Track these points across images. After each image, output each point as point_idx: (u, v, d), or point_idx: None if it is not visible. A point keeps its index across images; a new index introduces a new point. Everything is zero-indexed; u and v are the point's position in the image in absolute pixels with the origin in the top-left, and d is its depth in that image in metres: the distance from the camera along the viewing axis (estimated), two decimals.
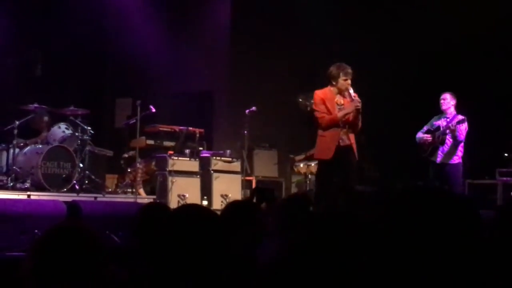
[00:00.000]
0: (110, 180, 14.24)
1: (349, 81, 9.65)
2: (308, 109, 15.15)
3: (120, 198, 12.54)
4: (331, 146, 9.66)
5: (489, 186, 12.55)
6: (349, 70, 9.67)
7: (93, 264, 2.79)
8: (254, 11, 15.10)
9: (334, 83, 9.71)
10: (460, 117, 10.81)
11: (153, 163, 13.15)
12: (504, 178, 12.46)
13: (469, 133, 13.13)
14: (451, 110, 11.05)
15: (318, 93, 9.90)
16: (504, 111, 13.29)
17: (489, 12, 13.37)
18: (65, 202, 8.93)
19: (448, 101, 11.04)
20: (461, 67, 13.64)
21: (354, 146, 9.77)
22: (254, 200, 6.30)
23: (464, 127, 10.94)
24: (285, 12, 15.11)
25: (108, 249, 4.56)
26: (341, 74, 9.64)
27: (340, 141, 9.70)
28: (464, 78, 13.53)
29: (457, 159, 11.07)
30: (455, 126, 10.61)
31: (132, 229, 4.14)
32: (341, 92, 9.73)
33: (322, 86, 14.59)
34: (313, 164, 13.79)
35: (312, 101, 15.14)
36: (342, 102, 9.75)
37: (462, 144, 11.07)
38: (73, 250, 2.80)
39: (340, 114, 9.60)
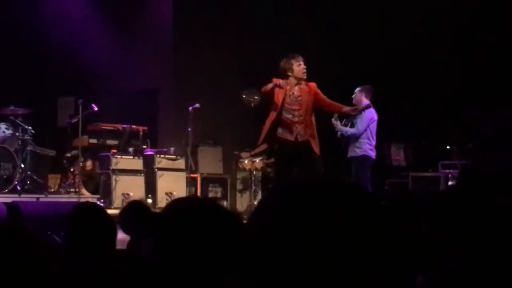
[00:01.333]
0: (53, 180, 14.05)
1: (303, 65, 9.53)
2: (252, 105, 15.16)
3: (63, 198, 12.38)
4: (292, 131, 9.54)
5: (432, 179, 12.69)
6: (299, 56, 9.59)
7: (31, 264, 2.73)
8: (197, 8, 15.06)
9: (290, 73, 9.57)
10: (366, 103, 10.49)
11: (88, 163, 13.05)
12: (447, 171, 12.61)
13: (412, 127, 13.32)
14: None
15: (274, 82, 9.65)
16: (447, 105, 13.45)
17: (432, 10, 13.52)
18: (5, 203, 8.77)
19: (355, 96, 10.85)
20: (406, 62, 13.77)
21: (314, 141, 9.59)
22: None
23: (367, 117, 10.74)
24: (228, 9, 15.08)
25: (49, 249, 4.48)
26: (293, 61, 9.55)
27: (298, 136, 9.55)
28: (408, 73, 13.67)
29: (360, 152, 10.90)
30: (359, 111, 10.18)
31: (66, 229, 4.08)
32: (299, 82, 9.59)
33: (266, 82, 14.69)
34: (257, 160, 13.81)
35: (255, 97, 15.21)
36: (299, 94, 9.60)
37: (368, 136, 10.89)
38: (9, 251, 2.74)
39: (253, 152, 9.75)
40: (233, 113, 15.12)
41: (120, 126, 13.67)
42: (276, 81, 9.40)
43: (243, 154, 14.22)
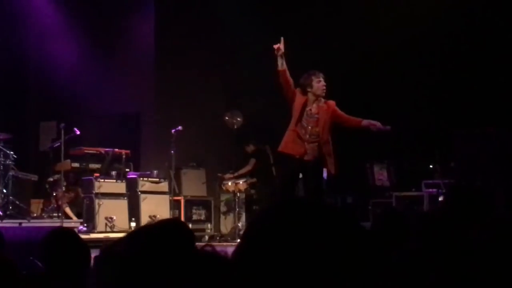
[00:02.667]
0: (36, 205, 13.96)
1: (323, 82, 9.34)
2: (235, 127, 15.18)
3: (46, 222, 12.26)
4: (302, 144, 9.37)
5: (416, 198, 12.70)
6: (319, 72, 9.42)
7: None
8: (178, 31, 15.07)
9: (309, 90, 9.35)
10: None
11: (71, 193, 13.04)
12: (430, 190, 12.63)
13: (395, 147, 13.34)
14: None
15: (298, 92, 9.42)
16: (430, 124, 13.49)
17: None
18: None
19: None
20: (388, 81, 13.82)
21: (330, 159, 9.36)
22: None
23: None
24: (210, 33, 15.11)
25: (31, 275, 4.43)
26: (313, 78, 9.34)
27: (305, 155, 9.37)
28: (390, 92, 13.72)
29: None
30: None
31: (41, 255, 4.04)
32: (317, 99, 9.43)
33: (249, 104, 14.71)
34: (241, 182, 13.79)
35: (238, 118, 15.22)
36: (317, 111, 9.42)
37: None
38: None
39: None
40: (216, 135, 15.13)
41: (102, 150, 13.62)
42: (277, 49, 9.16)
43: (227, 176, 14.21)
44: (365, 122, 9.44)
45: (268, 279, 1.51)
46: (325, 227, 1.54)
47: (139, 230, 2.14)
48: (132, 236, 2.08)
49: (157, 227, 2.13)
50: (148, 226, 2.17)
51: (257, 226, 1.59)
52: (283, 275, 1.50)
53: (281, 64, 9.09)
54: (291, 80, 9.28)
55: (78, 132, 13.02)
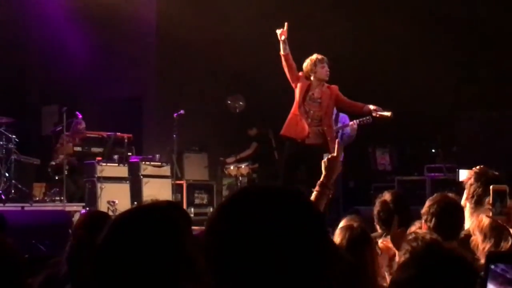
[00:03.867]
0: (38, 189, 13.96)
1: (326, 67, 9.37)
2: (237, 111, 15.18)
3: (48, 206, 12.30)
4: (304, 127, 9.36)
5: (418, 182, 12.70)
6: (323, 58, 9.42)
7: (7, 278, 2.69)
8: (181, 14, 15.01)
9: (312, 75, 9.39)
10: None
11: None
12: (432, 174, 12.63)
13: (397, 131, 13.34)
14: None
15: (301, 76, 9.45)
16: (432, 108, 13.48)
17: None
18: None
19: None
20: (391, 66, 13.80)
21: (329, 145, 9.18)
22: None
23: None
24: (212, 16, 15.06)
25: (33, 258, 4.44)
26: (316, 62, 9.38)
27: (306, 139, 9.39)
28: (392, 76, 13.70)
29: None
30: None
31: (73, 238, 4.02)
32: (321, 83, 9.44)
33: (252, 88, 14.70)
34: (243, 166, 13.79)
35: (240, 102, 15.22)
36: (320, 96, 9.44)
37: None
38: None
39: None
40: (218, 119, 15.12)
41: (104, 134, 13.62)
42: (281, 34, 9.16)
43: (229, 160, 14.22)
44: (367, 107, 9.46)
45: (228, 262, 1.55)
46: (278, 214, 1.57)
47: (124, 217, 2.10)
48: (112, 225, 2.05)
49: (144, 213, 2.09)
50: (131, 215, 2.12)
51: (218, 212, 1.63)
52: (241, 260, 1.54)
53: (284, 49, 9.17)
54: (294, 65, 9.33)
55: (80, 116, 13.03)
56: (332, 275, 1.60)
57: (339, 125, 10.94)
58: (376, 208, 5.23)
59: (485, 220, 3.93)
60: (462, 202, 4.72)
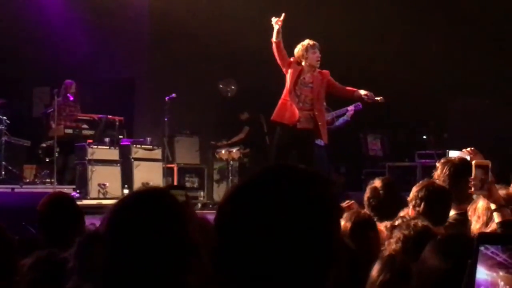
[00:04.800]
0: (28, 171, 13.95)
1: (318, 53, 9.32)
2: (229, 95, 15.16)
3: (38, 188, 12.28)
4: (294, 112, 9.34)
5: (409, 168, 12.73)
6: (315, 43, 9.37)
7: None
8: None
9: (304, 60, 9.34)
10: None
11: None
12: (423, 160, 12.66)
13: (389, 117, 13.37)
14: None
15: (293, 62, 9.38)
16: (423, 95, 13.50)
17: None
18: None
19: None
20: (383, 53, 13.80)
21: (323, 129, 9.34)
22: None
23: None
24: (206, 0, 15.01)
25: (23, 240, 4.43)
26: (308, 48, 9.32)
27: (298, 123, 9.36)
28: (384, 63, 13.70)
29: None
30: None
31: (39, 221, 4.02)
32: (312, 69, 9.39)
33: (244, 73, 14.67)
34: (234, 150, 13.80)
35: (232, 87, 15.19)
36: (311, 80, 9.39)
37: None
38: None
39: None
40: (210, 103, 15.10)
41: (96, 116, 13.59)
42: (277, 23, 9.09)
43: (220, 144, 14.21)
44: (358, 92, 9.48)
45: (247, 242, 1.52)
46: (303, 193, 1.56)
47: (122, 205, 2.03)
48: (115, 214, 1.99)
49: (138, 201, 2.03)
50: (128, 201, 2.05)
51: (242, 192, 1.60)
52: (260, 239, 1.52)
53: (277, 37, 9.16)
54: (284, 51, 9.32)
55: (71, 98, 13.01)
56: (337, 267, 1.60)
57: (334, 112, 10.96)
58: (366, 195, 5.24)
59: (481, 203, 3.94)
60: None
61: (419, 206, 4.44)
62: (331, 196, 1.60)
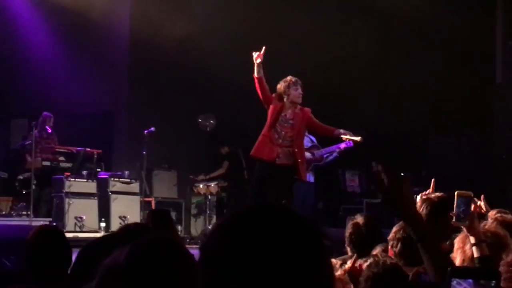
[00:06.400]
0: (5, 203, 13.81)
1: (300, 90, 9.34)
2: (208, 129, 15.16)
3: (14, 221, 12.18)
4: (273, 148, 9.34)
5: None
6: (297, 80, 9.40)
7: None
8: (152, 31, 14.99)
9: (285, 96, 9.35)
10: None
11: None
12: None
13: (367, 154, 13.36)
14: None
15: (274, 98, 9.41)
16: (402, 132, 13.55)
17: None
18: None
19: None
20: (362, 89, 13.86)
21: (302, 166, 9.37)
22: (151, 224, 6.08)
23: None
24: (185, 33, 15.05)
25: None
26: (290, 85, 9.34)
27: (277, 159, 9.35)
28: (362, 99, 13.76)
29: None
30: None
31: (25, 253, 3.95)
32: (294, 105, 9.40)
33: (223, 106, 14.70)
34: (212, 185, 13.77)
35: (211, 121, 15.18)
36: (292, 117, 9.40)
37: None
38: None
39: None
40: (188, 137, 15.09)
41: (74, 149, 13.54)
42: (257, 57, 9.10)
43: (199, 178, 14.19)
44: (337, 131, 9.55)
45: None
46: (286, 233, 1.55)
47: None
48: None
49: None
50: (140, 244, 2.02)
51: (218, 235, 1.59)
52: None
53: (258, 72, 9.15)
54: (267, 87, 9.32)
55: (50, 131, 12.96)
56: None
57: (324, 149, 11.01)
58: (348, 230, 5.22)
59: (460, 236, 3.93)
60: None
61: (396, 246, 4.42)
62: (322, 245, 1.59)
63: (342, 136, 9.51)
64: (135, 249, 1.90)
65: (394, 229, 4.55)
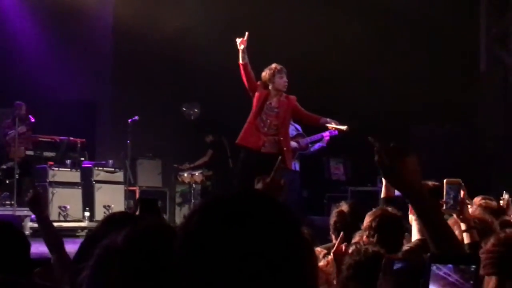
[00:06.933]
0: None
1: (285, 78, 9.24)
2: (192, 118, 15.13)
3: None
4: (259, 136, 9.29)
5: (371, 193, 12.77)
6: (282, 68, 9.31)
7: None
8: (136, 20, 14.93)
9: (270, 84, 9.25)
10: None
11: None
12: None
13: (352, 142, 13.39)
14: None
15: (259, 85, 9.32)
16: (387, 120, 13.58)
17: None
18: None
19: None
20: (347, 77, 13.87)
21: (288, 154, 9.26)
22: (138, 212, 6.05)
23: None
24: (169, 22, 15.00)
25: None
26: (275, 73, 9.23)
27: (263, 147, 9.29)
28: (348, 88, 13.77)
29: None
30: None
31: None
32: (279, 93, 9.31)
33: (206, 95, 14.67)
34: (197, 174, 13.76)
35: (195, 109, 15.16)
36: (277, 105, 9.31)
37: None
38: None
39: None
40: (172, 126, 15.05)
41: (57, 138, 13.50)
42: (241, 43, 9.01)
43: (184, 166, 14.16)
44: (323, 120, 9.51)
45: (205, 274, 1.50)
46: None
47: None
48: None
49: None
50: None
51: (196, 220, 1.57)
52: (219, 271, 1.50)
53: (243, 58, 9.10)
54: (252, 74, 9.27)
55: (33, 120, 12.90)
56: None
57: (309, 138, 10.99)
58: (333, 218, 5.21)
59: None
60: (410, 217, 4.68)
61: (373, 236, 4.41)
62: (302, 235, 1.58)
63: (327, 125, 9.49)
64: (132, 231, 1.90)
65: (368, 218, 4.53)
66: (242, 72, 9.19)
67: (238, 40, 9.11)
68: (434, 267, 1.93)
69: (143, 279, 1.83)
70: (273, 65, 9.38)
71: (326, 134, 10.64)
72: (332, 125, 9.50)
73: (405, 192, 2.53)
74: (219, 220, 1.52)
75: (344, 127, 9.48)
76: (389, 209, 4.65)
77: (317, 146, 11.10)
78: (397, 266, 2.66)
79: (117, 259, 1.83)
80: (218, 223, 1.52)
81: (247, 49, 9.12)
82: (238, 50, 9.11)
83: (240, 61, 9.14)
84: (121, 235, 1.88)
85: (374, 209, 4.63)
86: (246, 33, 9.12)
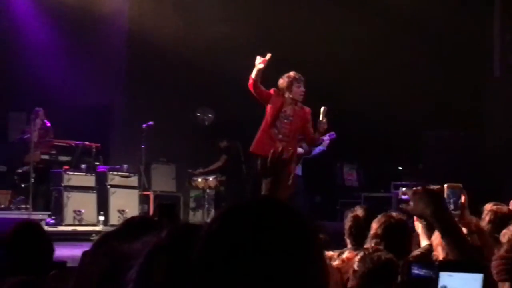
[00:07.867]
0: (3, 196, 13.83)
1: (302, 88, 9.20)
2: (206, 123, 15.18)
3: (13, 214, 12.20)
4: (275, 144, 9.24)
5: (384, 199, 12.78)
6: (300, 77, 9.25)
7: None
8: (151, 25, 15.01)
9: (288, 92, 9.19)
10: None
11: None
12: (398, 191, 12.72)
13: (365, 148, 13.42)
14: None
15: (273, 93, 9.25)
16: (399, 126, 13.58)
17: None
18: None
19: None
20: (359, 83, 13.88)
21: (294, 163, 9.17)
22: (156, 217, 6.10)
23: None
24: (184, 28, 15.07)
25: None
26: (293, 82, 9.18)
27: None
28: (361, 94, 13.78)
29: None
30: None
31: (7, 248, 3.99)
32: (294, 102, 9.24)
33: (220, 100, 14.72)
34: (211, 179, 13.80)
35: (209, 115, 15.21)
36: (292, 114, 9.25)
37: None
38: None
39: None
40: (186, 131, 15.10)
41: (72, 143, 13.56)
42: (262, 63, 8.93)
43: (197, 172, 14.20)
44: (317, 136, 9.49)
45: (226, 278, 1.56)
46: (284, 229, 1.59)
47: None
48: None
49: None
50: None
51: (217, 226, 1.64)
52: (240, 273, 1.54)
53: (256, 75, 8.97)
54: (261, 88, 9.06)
55: (48, 124, 12.97)
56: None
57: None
58: (348, 223, 5.21)
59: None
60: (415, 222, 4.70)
61: (380, 244, 4.41)
62: (316, 240, 1.63)
63: (320, 125, 9.39)
64: (174, 229, 1.96)
65: (374, 225, 4.54)
66: (251, 87, 8.99)
67: (259, 59, 8.95)
68: (415, 268, 1.96)
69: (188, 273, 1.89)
70: (292, 73, 9.26)
71: (326, 138, 10.64)
72: (322, 122, 9.37)
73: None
74: (240, 225, 1.59)
75: (321, 109, 9.36)
76: (394, 214, 4.67)
77: (318, 149, 11.07)
78: (414, 270, 2.69)
79: (164, 253, 1.89)
80: (239, 228, 1.58)
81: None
82: (255, 65, 8.98)
83: (253, 76, 9.02)
84: (163, 234, 1.94)
85: (379, 216, 4.65)
86: (268, 55, 8.99)
